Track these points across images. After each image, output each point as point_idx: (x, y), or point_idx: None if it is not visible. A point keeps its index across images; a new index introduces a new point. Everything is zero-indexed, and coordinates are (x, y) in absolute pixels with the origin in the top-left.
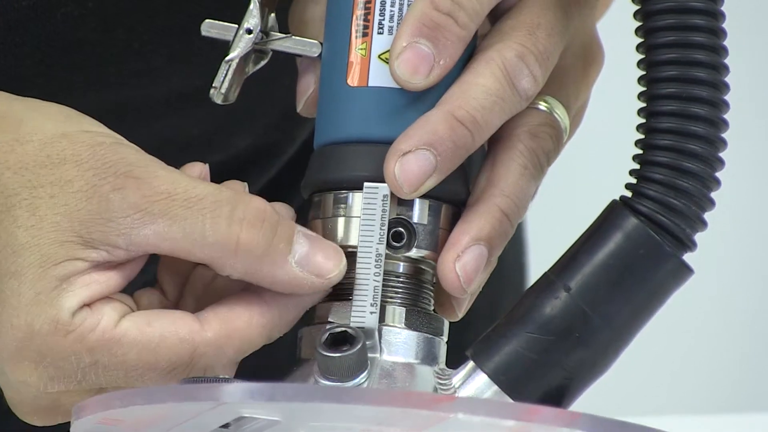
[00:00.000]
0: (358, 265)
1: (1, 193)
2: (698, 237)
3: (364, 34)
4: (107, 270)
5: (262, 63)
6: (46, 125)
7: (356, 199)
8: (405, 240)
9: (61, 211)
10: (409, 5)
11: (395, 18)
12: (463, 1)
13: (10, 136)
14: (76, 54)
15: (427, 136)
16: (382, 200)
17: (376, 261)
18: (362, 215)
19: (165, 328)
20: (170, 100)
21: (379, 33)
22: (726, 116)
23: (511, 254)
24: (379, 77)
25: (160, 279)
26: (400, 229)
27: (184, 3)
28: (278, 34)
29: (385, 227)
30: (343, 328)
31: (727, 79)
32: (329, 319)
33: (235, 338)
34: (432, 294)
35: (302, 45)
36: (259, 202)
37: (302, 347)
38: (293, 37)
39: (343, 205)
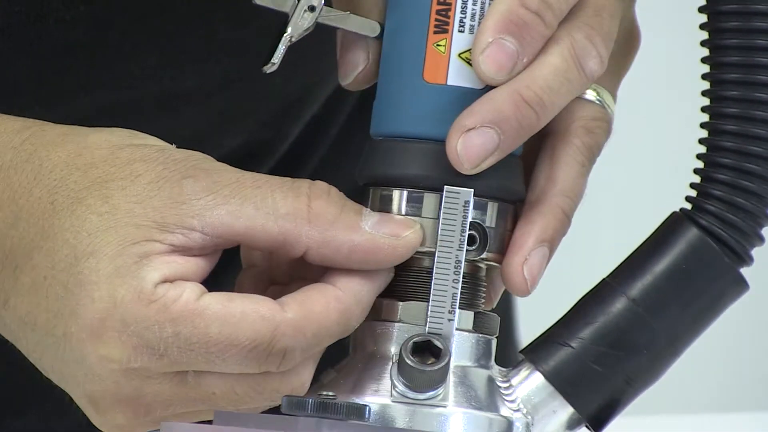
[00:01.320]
0: (436, 271)
1: (71, 189)
2: None
3: (444, 30)
4: (186, 255)
5: (306, 32)
6: (112, 138)
7: (432, 201)
8: (478, 244)
9: (133, 200)
10: (489, 4)
11: (477, 17)
12: (551, 0)
13: (77, 145)
14: (68, 58)
15: (492, 114)
16: (463, 206)
17: (455, 267)
18: (442, 220)
19: (246, 306)
20: (162, 101)
21: (460, 31)
22: None
23: None
24: (458, 76)
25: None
26: (473, 232)
27: (175, 4)
28: (336, 11)
29: (465, 233)
30: (428, 338)
31: None
32: (400, 319)
33: (313, 321)
34: (485, 291)
35: (361, 24)
36: (324, 183)
37: (361, 340)
38: (352, 15)
39: (417, 205)
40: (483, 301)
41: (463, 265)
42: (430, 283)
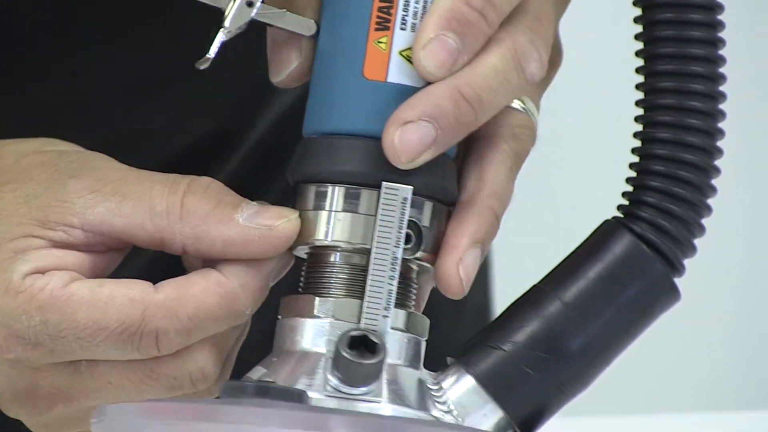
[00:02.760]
0: (372, 267)
1: None
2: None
3: (385, 28)
4: (67, 249)
5: (241, 29)
6: (20, 148)
7: (368, 198)
8: (413, 242)
9: (20, 200)
10: (432, 2)
11: (419, 15)
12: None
13: None
14: (30, 44)
15: (431, 109)
16: (402, 203)
17: (392, 264)
18: (379, 216)
19: (115, 289)
20: (127, 89)
21: (401, 29)
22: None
23: None
24: (399, 74)
25: None
26: (409, 231)
27: None
28: (272, 8)
29: (403, 230)
30: (363, 333)
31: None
32: (333, 316)
33: (189, 303)
34: (416, 292)
35: (297, 22)
36: (206, 178)
37: (288, 337)
38: (288, 13)
39: (355, 201)
40: (414, 302)
41: (399, 262)
42: (363, 279)
